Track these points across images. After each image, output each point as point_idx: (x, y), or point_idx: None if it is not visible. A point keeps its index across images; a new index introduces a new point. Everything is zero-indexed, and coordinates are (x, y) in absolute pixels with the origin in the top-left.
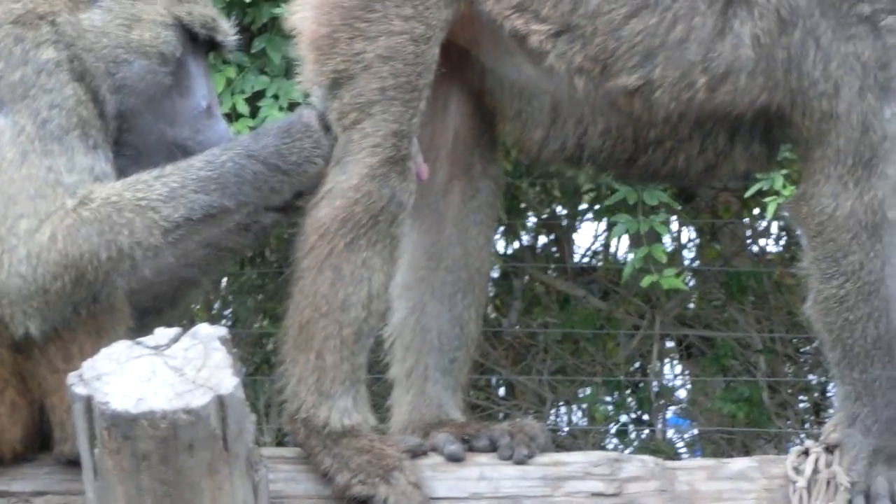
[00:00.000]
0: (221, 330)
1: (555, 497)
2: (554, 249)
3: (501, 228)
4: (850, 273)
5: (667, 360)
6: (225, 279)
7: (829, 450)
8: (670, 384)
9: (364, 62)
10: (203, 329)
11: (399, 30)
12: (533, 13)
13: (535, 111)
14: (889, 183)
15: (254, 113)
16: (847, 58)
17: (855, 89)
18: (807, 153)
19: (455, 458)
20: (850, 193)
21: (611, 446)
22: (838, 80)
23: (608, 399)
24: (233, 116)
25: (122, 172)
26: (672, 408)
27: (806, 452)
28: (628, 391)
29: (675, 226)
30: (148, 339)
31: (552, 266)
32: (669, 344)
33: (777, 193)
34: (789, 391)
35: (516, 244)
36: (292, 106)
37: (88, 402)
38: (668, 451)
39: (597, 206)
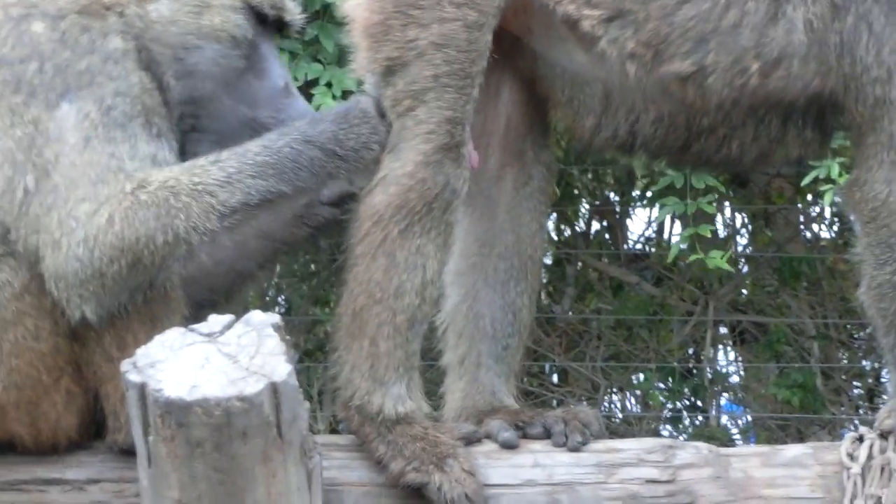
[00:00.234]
0: (274, 317)
1: (609, 484)
2: (607, 236)
3: (554, 215)
4: None
5: (720, 347)
6: (278, 266)
7: (884, 436)
8: (724, 370)
9: (417, 49)
10: (256, 316)
11: (452, 16)
12: None
13: (587, 98)
14: None
15: (307, 101)
16: None
17: None
18: (860, 139)
19: (509, 445)
20: None
21: (665, 433)
22: (891, 66)
23: (662, 386)
24: None
25: None
26: (726, 394)
27: (860, 439)
28: (682, 378)
29: (727, 211)
30: (201, 327)
31: (605, 252)
32: (723, 330)
33: (833, 182)
34: (843, 377)
35: (569, 231)
36: (346, 94)
37: (142, 389)
38: (721, 438)
39: (649, 193)
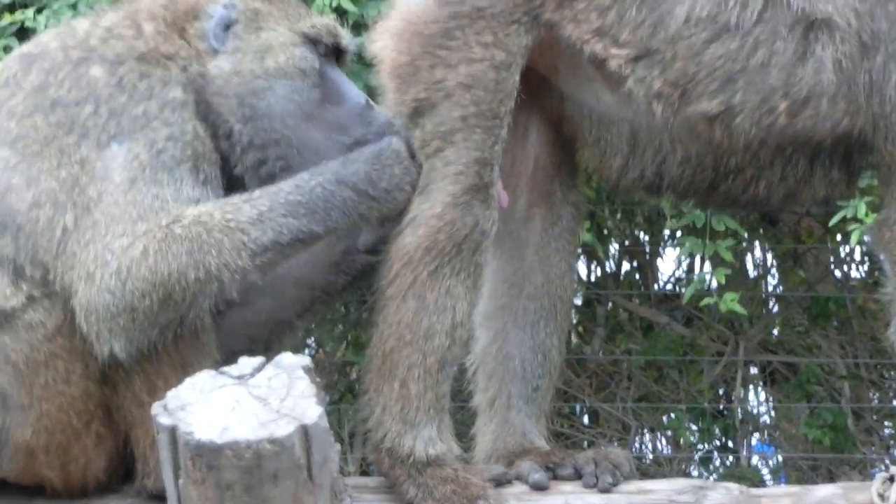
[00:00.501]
0: (305, 359)
1: None
2: (637, 276)
3: (584, 255)
4: None
5: (750, 387)
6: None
7: None
8: (754, 410)
9: (445, 90)
10: (286, 358)
11: (480, 57)
12: (612, 38)
13: (614, 139)
14: None
15: None
16: None
17: None
18: (889, 178)
19: (540, 487)
20: None
21: (695, 473)
22: None
23: (692, 426)
24: None
25: None
26: (756, 434)
27: (891, 479)
28: (712, 418)
29: (757, 251)
30: (231, 369)
31: (635, 293)
32: (753, 370)
33: (860, 221)
34: (874, 417)
35: (599, 271)
36: None
37: (173, 432)
38: (752, 478)
39: (678, 233)
